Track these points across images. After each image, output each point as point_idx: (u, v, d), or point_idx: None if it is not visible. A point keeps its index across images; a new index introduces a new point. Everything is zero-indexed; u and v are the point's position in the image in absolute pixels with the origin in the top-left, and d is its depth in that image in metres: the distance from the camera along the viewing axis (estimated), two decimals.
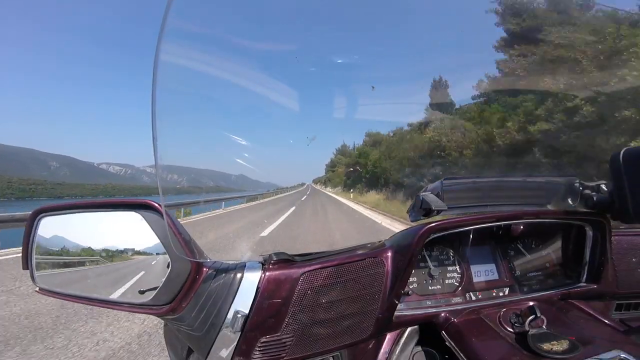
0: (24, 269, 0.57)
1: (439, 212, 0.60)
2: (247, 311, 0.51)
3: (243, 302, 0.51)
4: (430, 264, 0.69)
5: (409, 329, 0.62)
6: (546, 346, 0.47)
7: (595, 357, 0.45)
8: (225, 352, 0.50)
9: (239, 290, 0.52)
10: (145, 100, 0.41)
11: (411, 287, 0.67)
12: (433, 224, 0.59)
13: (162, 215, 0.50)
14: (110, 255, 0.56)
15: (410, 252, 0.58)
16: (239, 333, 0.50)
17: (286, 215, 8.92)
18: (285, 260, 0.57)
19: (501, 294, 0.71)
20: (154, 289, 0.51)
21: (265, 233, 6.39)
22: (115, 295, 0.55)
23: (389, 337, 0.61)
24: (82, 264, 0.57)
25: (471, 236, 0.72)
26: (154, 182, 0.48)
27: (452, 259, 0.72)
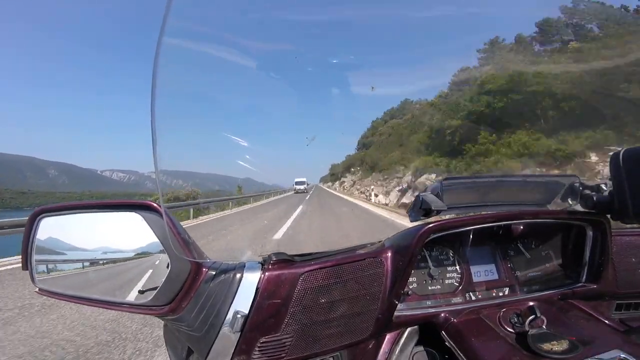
0: (23, 269, 0.57)
1: (438, 212, 0.60)
2: (246, 311, 0.51)
3: (243, 302, 0.51)
4: (430, 264, 0.69)
5: (408, 329, 0.62)
6: (546, 346, 0.47)
7: (595, 357, 0.45)
8: (225, 353, 0.50)
9: (239, 290, 0.52)
10: (149, 104, 0.41)
11: (411, 287, 0.67)
12: (433, 224, 0.59)
13: (161, 216, 0.50)
14: (110, 255, 0.56)
15: (410, 252, 0.57)
16: (239, 333, 0.50)
17: None
18: (284, 261, 0.57)
19: (501, 294, 0.71)
20: (154, 289, 0.51)
21: None
22: (115, 296, 0.55)
23: (388, 337, 0.61)
24: (81, 264, 0.57)
25: (471, 236, 0.72)
26: (156, 189, 0.48)
27: (452, 259, 0.72)
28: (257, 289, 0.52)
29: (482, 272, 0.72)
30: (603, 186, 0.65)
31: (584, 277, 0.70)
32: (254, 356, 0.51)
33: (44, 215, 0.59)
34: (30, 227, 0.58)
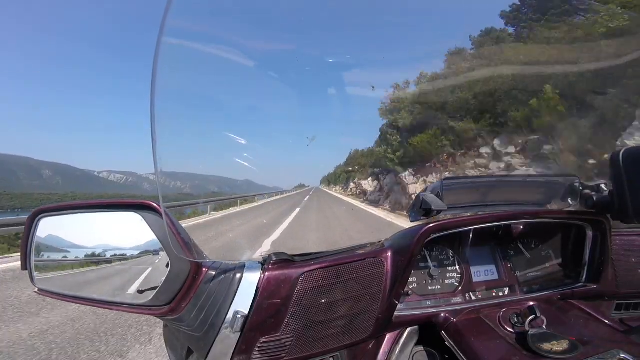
0: (22, 269, 0.57)
1: (438, 212, 0.60)
2: (246, 311, 0.51)
3: (243, 302, 0.51)
4: (430, 264, 0.69)
5: (408, 329, 0.62)
6: (546, 346, 0.47)
7: (595, 357, 0.45)
8: (225, 353, 0.50)
9: (239, 290, 0.52)
10: (148, 105, 0.41)
11: (411, 287, 0.67)
12: (433, 224, 0.59)
13: (161, 216, 0.50)
14: (110, 255, 0.56)
15: (410, 252, 0.57)
16: (239, 333, 0.50)
17: None
18: (284, 261, 0.57)
19: (501, 294, 0.71)
20: (154, 289, 0.51)
21: None
22: (114, 296, 0.55)
23: (388, 337, 0.61)
24: (81, 264, 0.57)
25: (471, 236, 0.72)
26: (154, 191, 0.48)
27: (452, 259, 0.72)
28: (257, 289, 0.52)
29: (482, 272, 0.72)
30: (603, 186, 0.65)
31: (584, 277, 0.70)
32: (254, 356, 0.51)
33: (43, 215, 0.59)
34: (30, 227, 0.57)
